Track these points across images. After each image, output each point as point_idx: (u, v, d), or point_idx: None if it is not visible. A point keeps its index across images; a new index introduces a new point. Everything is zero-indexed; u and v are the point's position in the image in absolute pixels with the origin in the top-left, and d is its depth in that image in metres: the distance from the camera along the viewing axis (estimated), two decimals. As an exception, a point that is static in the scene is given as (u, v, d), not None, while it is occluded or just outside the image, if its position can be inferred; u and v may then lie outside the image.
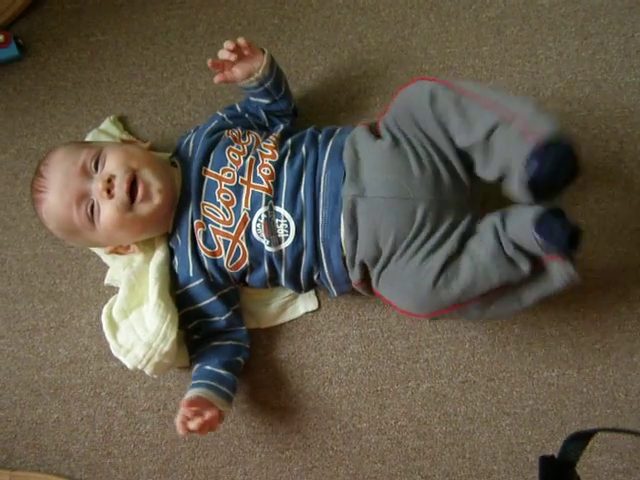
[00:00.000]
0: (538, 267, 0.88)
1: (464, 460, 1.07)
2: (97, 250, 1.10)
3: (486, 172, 0.90)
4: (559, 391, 1.07)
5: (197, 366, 1.02)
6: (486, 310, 0.92)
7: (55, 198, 0.95)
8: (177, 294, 1.01)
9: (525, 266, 0.87)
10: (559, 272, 0.87)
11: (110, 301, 1.02)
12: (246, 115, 1.07)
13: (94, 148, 0.97)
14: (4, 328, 1.12)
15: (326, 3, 1.18)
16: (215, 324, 1.02)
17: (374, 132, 0.97)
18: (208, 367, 1.01)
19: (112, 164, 0.94)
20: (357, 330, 1.09)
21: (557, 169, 0.82)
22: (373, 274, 0.95)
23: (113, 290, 1.09)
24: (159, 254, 1.01)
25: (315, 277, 0.99)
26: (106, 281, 1.09)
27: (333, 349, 1.09)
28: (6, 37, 1.14)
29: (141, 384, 1.10)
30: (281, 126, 1.04)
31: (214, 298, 1.00)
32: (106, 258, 1.10)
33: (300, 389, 1.09)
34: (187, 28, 1.18)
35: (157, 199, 0.95)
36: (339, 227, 0.93)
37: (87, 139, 1.13)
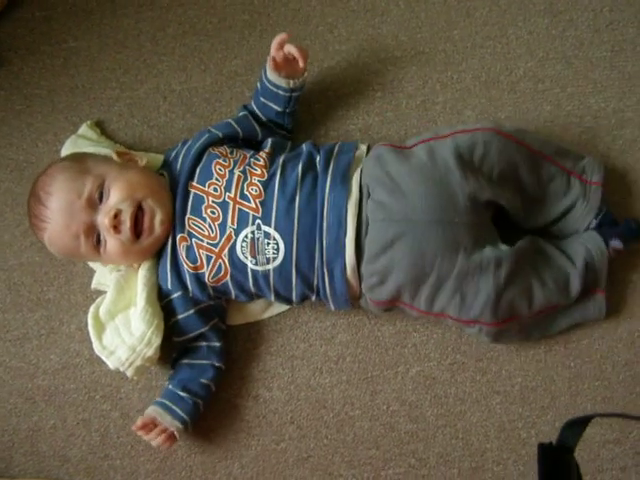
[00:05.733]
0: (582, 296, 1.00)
1: (457, 441, 1.08)
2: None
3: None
4: (547, 367, 1.08)
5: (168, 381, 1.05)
6: (523, 330, 1.02)
7: (60, 229, 0.95)
8: (161, 305, 1.01)
9: (575, 289, 0.97)
10: (597, 306, 1.02)
11: (97, 301, 1.03)
12: (239, 129, 1.05)
13: (97, 178, 0.96)
14: (-6, 338, 1.13)
15: (295, -4, 1.19)
16: (189, 339, 1.03)
17: (398, 149, 0.97)
18: (170, 386, 1.04)
19: (117, 196, 0.95)
20: (344, 319, 1.10)
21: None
22: (420, 295, 0.94)
23: (101, 294, 1.08)
24: (147, 261, 1.01)
25: (313, 298, 1.01)
26: (93, 285, 1.10)
27: (322, 339, 1.10)
28: (-23, 48, 1.15)
29: (134, 385, 1.11)
30: (270, 140, 1.03)
31: (191, 312, 1.01)
32: (92, 263, 1.11)
33: (291, 380, 1.10)
34: (158, 29, 1.19)
35: (158, 230, 0.97)
36: (343, 251, 0.93)
37: (66, 145, 1.13)
